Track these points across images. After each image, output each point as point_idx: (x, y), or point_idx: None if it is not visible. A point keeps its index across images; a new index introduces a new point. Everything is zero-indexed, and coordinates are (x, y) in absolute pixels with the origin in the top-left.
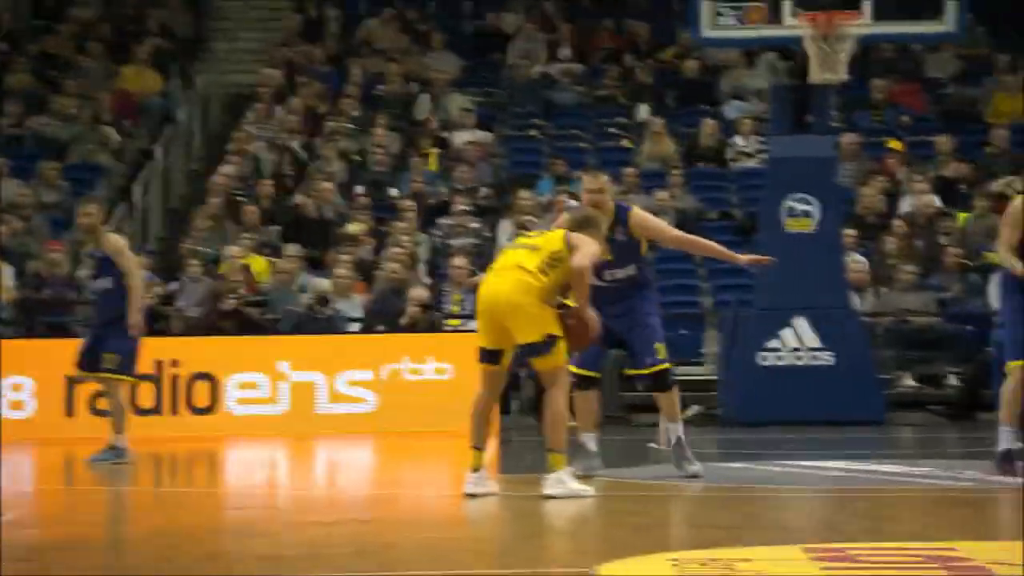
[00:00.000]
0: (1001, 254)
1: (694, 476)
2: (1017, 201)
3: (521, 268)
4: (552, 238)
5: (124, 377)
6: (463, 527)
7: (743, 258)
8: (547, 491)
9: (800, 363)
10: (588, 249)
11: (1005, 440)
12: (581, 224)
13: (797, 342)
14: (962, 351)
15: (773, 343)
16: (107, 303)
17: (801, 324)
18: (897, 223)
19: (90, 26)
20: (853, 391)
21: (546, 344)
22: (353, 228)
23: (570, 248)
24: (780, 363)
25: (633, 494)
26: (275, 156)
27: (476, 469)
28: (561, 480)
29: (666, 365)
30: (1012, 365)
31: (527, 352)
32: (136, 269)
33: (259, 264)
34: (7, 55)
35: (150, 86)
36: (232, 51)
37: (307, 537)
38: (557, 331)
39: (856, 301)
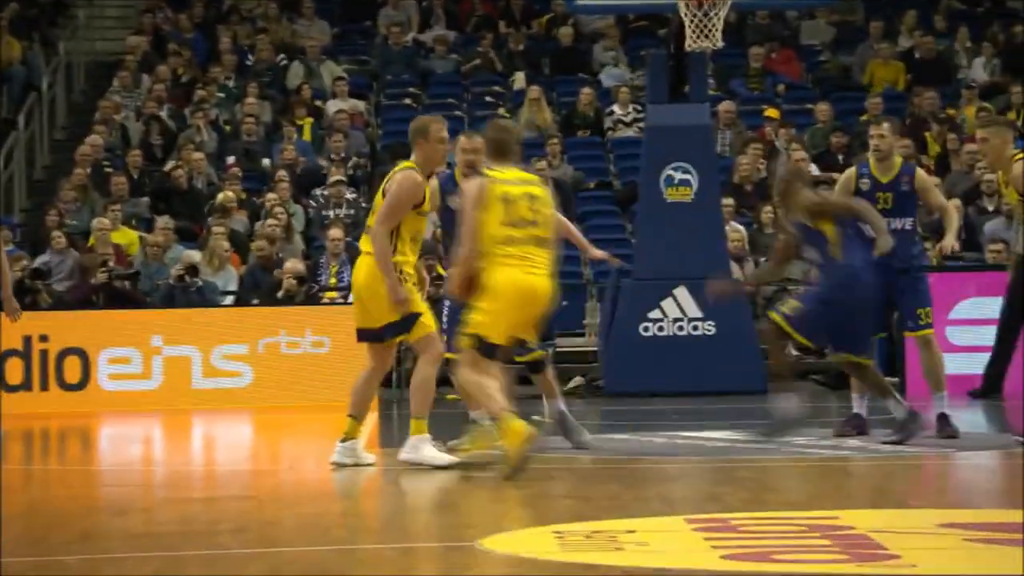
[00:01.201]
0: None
1: (582, 446)
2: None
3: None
4: None
5: None
6: (342, 502)
7: (597, 253)
8: (401, 456)
9: (681, 333)
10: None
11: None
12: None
13: (678, 312)
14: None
15: (654, 313)
16: None
17: (682, 294)
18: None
19: None
20: (734, 361)
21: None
22: (225, 198)
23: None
24: (661, 333)
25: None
26: (143, 125)
27: (346, 439)
28: (416, 447)
29: (539, 353)
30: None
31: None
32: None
33: (128, 236)
34: None
35: (11, 53)
36: (96, 17)
37: (183, 514)
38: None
39: (736, 270)
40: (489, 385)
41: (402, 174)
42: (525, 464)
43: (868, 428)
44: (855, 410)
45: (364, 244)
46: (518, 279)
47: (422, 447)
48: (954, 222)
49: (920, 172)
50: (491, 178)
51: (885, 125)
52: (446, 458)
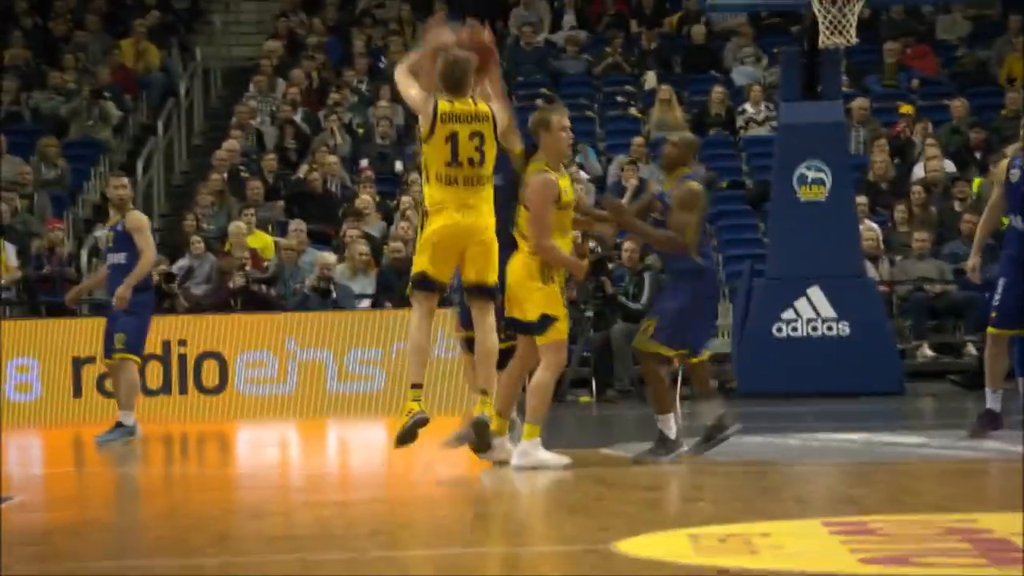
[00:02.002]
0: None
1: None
2: (1002, 163)
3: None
4: None
5: (130, 356)
6: (477, 505)
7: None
8: (514, 462)
9: (816, 334)
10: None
11: (989, 401)
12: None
13: (812, 312)
14: (979, 319)
15: (788, 314)
16: (118, 279)
17: (816, 294)
18: (911, 189)
19: (86, 0)
20: (870, 361)
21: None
22: (360, 202)
23: None
24: (795, 334)
25: (650, 469)
26: (277, 129)
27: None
28: (527, 452)
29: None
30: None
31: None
32: (150, 251)
33: (263, 240)
34: (2, 29)
35: (150, 60)
36: (231, 23)
37: (318, 517)
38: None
39: (871, 270)
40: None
41: (532, 179)
42: (405, 439)
43: (1003, 423)
44: (988, 406)
45: (521, 242)
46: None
47: (535, 452)
48: None
49: None
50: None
51: None
52: (563, 460)
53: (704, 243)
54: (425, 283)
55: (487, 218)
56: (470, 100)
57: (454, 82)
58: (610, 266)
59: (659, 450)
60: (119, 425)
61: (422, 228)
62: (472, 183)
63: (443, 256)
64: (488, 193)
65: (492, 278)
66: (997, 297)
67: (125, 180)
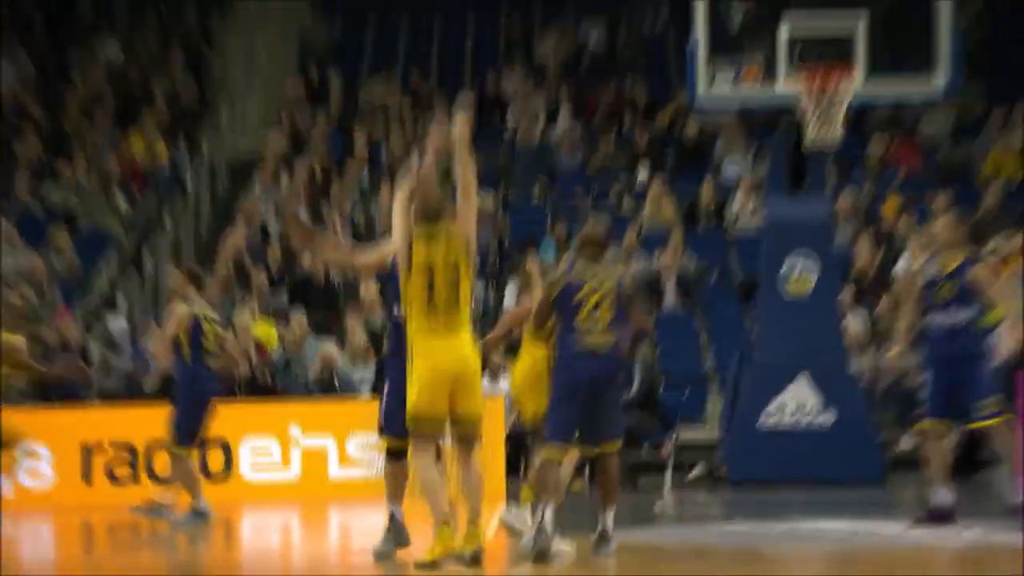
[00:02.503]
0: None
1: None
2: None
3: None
4: None
5: (178, 449)
6: None
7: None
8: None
9: (801, 423)
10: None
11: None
12: None
13: (798, 402)
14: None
15: (775, 403)
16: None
17: (801, 385)
18: (895, 282)
19: (96, 95)
20: (853, 451)
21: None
22: (362, 293)
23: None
24: (782, 423)
25: (642, 557)
26: (283, 224)
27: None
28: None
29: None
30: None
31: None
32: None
33: (267, 329)
34: (14, 123)
35: (157, 153)
36: (237, 118)
37: None
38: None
39: (855, 361)
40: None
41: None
42: (434, 568)
43: (953, 518)
44: (937, 502)
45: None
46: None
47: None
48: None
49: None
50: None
51: (942, 219)
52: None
53: (564, 334)
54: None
55: (470, 347)
56: (443, 235)
57: (430, 213)
58: None
59: (601, 545)
60: (196, 512)
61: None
62: (454, 320)
63: (436, 390)
64: (465, 325)
65: (480, 415)
66: (927, 391)
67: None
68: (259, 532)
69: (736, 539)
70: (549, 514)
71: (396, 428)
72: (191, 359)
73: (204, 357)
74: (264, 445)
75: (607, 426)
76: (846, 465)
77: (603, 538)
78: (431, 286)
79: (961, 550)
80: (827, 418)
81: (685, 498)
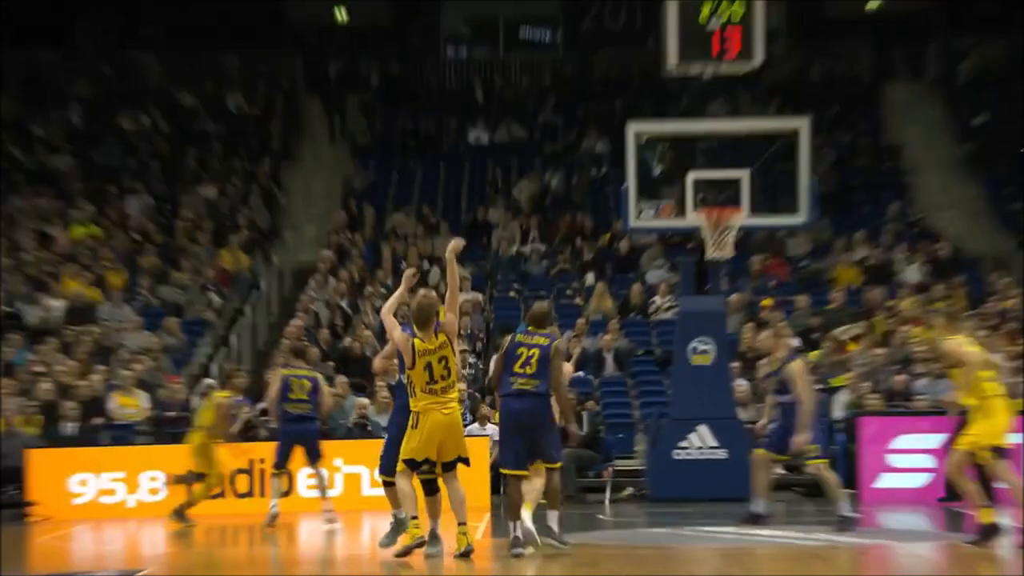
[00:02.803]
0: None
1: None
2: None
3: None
4: None
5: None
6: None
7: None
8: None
9: (703, 457)
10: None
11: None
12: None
13: (700, 442)
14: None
15: (683, 443)
16: None
17: (703, 430)
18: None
19: (198, 222)
20: (740, 476)
21: None
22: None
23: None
24: (689, 457)
25: (584, 551)
26: (329, 312)
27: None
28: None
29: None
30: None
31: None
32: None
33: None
34: (139, 242)
35: (241, 264)
36: (298, 237)
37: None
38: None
39: (741, 413)
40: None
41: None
42: (406, 554)
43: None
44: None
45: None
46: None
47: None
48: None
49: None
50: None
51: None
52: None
53: (502, 382)
54: (413, 464)
55: (457, 414)
56: (434, 335)
57: (423, 321)
58: None
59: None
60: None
61: (415, 425)
62: (446, 391)
63: (430, 442)
64: (454, 394)
65: (465, 453)
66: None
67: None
68: (312, 534)
69: (658, 540)
70: (522, 526)
71: (387, 469)
72: (281, 407)
73: (289, 406)
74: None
75: (544, 450)
76: (734, 486)
77: (547, 532)
78: (429, 370)
79: (812, 547)
80: (722, 453)
81: (620, 511)
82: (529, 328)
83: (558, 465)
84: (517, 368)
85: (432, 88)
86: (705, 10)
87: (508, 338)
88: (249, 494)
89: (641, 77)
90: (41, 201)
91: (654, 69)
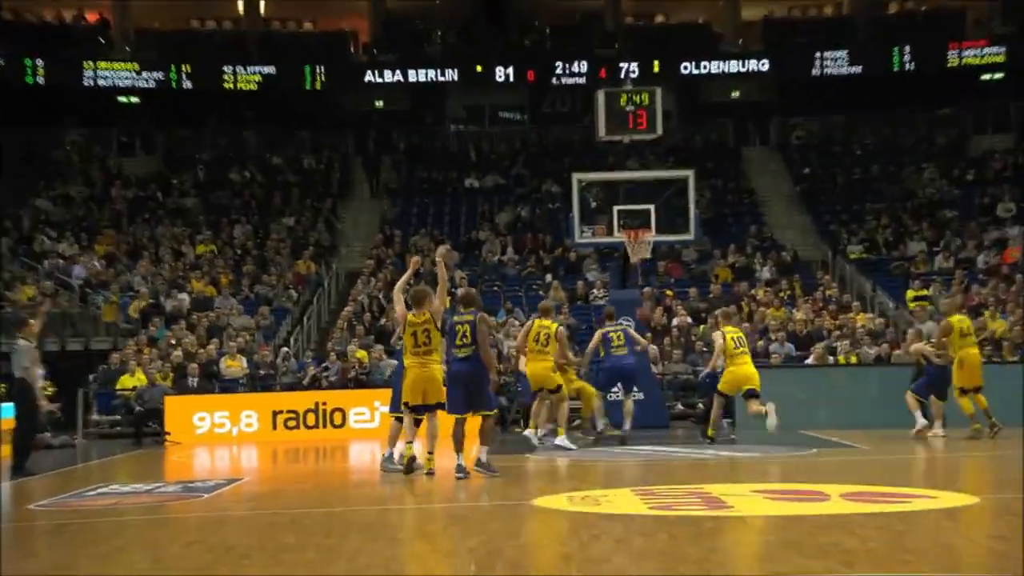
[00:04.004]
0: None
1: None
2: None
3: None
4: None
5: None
6: (462, 483)
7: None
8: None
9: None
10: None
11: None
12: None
13: (626, 389)
14: (704, 390)
15: (615, 389)
16: None
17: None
18: (673, 332)
19: (282, 242)
20: (654, 411)
21: None
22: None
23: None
24: (619, 398)
25: (546, 464)
26: (370, 301)
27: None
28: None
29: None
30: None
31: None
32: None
33: (362, 354)
34: (242, 256)
35: (308, 271)
36: (350, 252)
37: (379, 488)
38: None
39: (653, 367)
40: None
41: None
42: (409, 471)
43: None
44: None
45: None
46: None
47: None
48: None
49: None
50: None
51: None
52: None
53: (448, 348)
54: (407, 405)
55: (434, 370)
56: (424, 312)
57: (416, 302)
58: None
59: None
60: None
61: (404, 377)
62: (428, 354)
63: (415, 389)
64: (437, 356)
65: (442, 399)
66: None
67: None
68: (361, 453)
69: (599, 456)
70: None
71: (395, 407)
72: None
73: (456, 350)
74: (362, 411)
75: (480, 400)
76: (651, 418)
77: (479, 463)
78: (415, 337)
79: (707, 459)
80: (639, 395)
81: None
82: (461, 308)
83: (492, 413)
84: (458, 341)
85: (440, 151)
86: (623, 98)
87: (447, 321)
88: (316, 426)
89: (582, 143)
90: (176, 228)
91: (591, 137)
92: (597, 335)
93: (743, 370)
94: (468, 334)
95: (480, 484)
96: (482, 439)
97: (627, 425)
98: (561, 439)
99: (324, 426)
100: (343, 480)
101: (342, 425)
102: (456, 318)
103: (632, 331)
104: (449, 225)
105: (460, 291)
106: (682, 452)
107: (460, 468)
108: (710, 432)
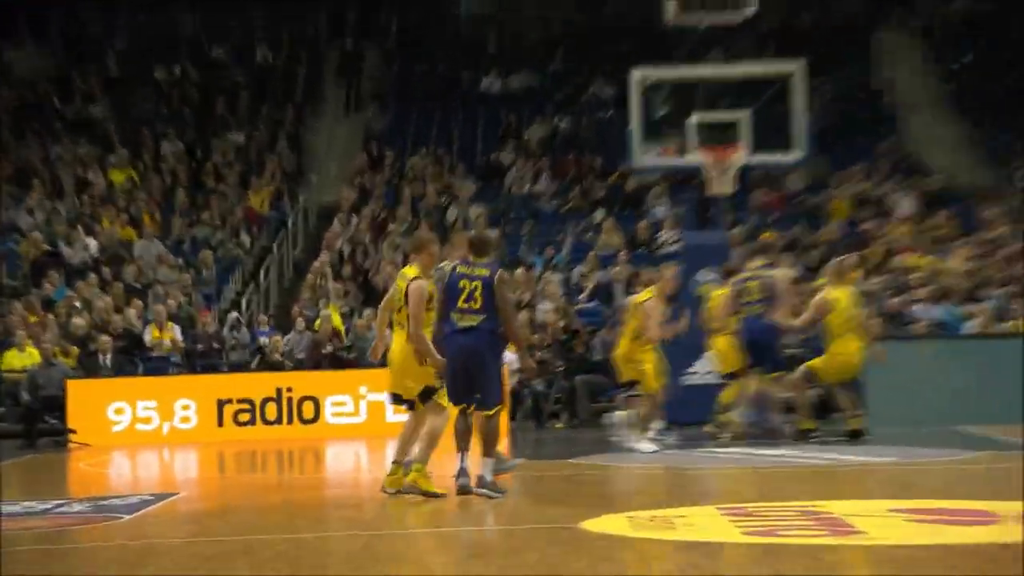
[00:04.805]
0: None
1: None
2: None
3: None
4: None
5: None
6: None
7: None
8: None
9: (709, 382)
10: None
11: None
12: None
13: (706, 368)
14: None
15: (691, 368)
16: None
17: (709, 355)
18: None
19: (228, 164)
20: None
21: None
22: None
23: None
24: (696, 382)
25: (598, 472)
26: (353, 249)
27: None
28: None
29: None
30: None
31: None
32: None
33: (337, 321)
34: (171, 185)
35: (269, 204)
36: (323, 180)
37: (383, 504)
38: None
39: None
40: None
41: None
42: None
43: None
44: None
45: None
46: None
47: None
48: None
49: None
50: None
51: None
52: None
53: (446, 319)
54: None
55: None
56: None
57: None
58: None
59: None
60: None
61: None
62: (401, 326)
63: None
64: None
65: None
66: None
67: None
68: (341, 458)
69: (667, 461)
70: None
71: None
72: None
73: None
74: (342, 400)
75: (483, 392)
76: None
77: (481, 483)
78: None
79: (818, 467)
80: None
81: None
82: (471, 258)
83: (492, 412)
84: (461, 303)
85: (448, 39)
86: None
87: (446, 269)
88: (277, 421)
89: (644, 26)
90: (80, 148)
91: (657, 19)
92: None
93: (852, 352)
94: (478, 295)
95: (505, 501)
96: (484, 447)
97: (773, 416)
98: (642, 439)
99: (289, 421)
100: (316, 497)
101: (315, 419)
102: (462, 269)
103: (779, 277)
104: (460, 143)
105: (472, 235)
106: (788, 455)
107: (462, 473)
108: (807, 425)
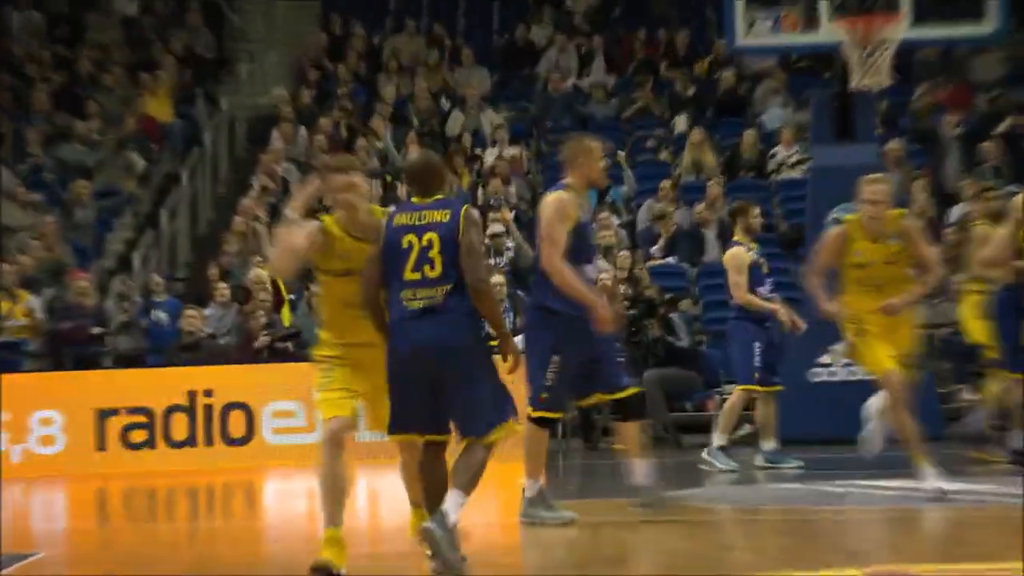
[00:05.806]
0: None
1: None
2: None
3: None
4: None
5: None
6: (521, 552)
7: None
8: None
9: (853, 377)
10: None
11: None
12: None
13: (847, 358)
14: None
15: (824, 358)
16: None
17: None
18: (947, 231)
19: (110, 50)
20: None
21: None
22: None
23: None
24: (832, 379)
25: (691, 518)
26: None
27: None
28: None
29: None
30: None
31: None
32: None
33: (280, 284)
34: (25, 78)
35: (164, 111)
36: (256, 72)
37: (349, 568)
38: None
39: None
40: None
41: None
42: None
43: None
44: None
45: None
46: None
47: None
48: None
49: None
50: None
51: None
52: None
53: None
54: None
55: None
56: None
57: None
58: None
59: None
60: None
61: None
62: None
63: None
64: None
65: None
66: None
67: None
68: (285, 494)
69: (791, 500)
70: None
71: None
72: None
73: None
74: (287, 408)
75: (464, 412)
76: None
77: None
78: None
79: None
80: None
81: (733, 457)
82: (413, 200)
83: (489, 441)
84: (410, 272)
85: None
86: None
87: (383, 221)
88: (190, 442)
89: None
90: None
91: None
92: None
93: None
94: (436, 255)
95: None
96: (459, 478)
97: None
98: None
99: (208, 442)
100: (249, 555)
101: (247, 439)
102: (404, 219)
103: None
104: (466, 19)
105: (410, 160)
106: (965, 492)
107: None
108: None
